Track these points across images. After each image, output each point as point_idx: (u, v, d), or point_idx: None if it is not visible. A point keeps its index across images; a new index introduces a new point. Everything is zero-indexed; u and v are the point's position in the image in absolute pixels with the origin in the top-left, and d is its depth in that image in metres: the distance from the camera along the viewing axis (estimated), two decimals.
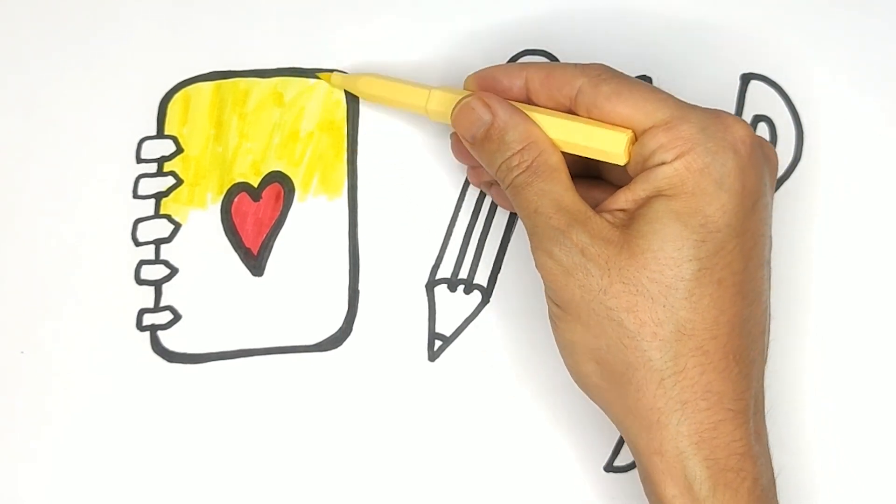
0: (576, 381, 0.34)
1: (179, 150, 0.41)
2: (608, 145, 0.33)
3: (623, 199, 0.32)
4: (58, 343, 0.40)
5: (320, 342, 0.40)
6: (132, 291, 0.40)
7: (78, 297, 0.40)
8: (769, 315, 0.34)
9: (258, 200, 0.41)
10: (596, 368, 0.32)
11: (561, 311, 0.33)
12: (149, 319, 0.40)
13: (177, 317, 0.40)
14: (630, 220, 0.32)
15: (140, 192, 0.41)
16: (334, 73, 0.41)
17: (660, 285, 0.31)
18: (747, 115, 0.42)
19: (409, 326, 0.40)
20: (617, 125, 0.33)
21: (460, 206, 0.41)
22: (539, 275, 0.33)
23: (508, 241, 0.41)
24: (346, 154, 0.41)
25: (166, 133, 0.42)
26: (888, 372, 0.40)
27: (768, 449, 0.33)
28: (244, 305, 0.40)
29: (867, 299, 0.40)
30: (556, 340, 0.34)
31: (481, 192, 0.41)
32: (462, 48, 0.42)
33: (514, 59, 0.42)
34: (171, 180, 0.41)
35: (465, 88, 0.37)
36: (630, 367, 0.31)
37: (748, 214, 0.32)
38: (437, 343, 0.40)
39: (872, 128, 0.42)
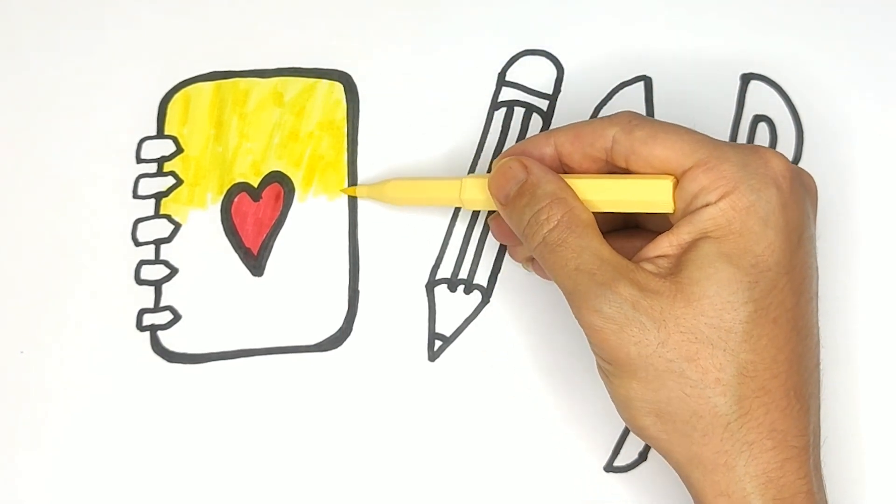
0: (634, 432, 0.33)
1: (179, 150, 0.41)
2: (654, 195, 0.32)
3: (666, 244, 0.32)
4: (58, 343, 0.40)
5: (320, 342, 0.40)
6: (132, 291, 0.40)
7: (78, 296, 0.40)
8: (819, 347, 0.34)
9: (258, 200, 0.41)
10: (655, 421, 0.31)
11: (614, 368, 0.32)
12: (149, 319, 0.40)
13: (177, 317, 0.40)
14: (676, 267, 0.31)
15: (140, 192, 0.41)
16: (359, 185, 0.41)
17: (719, 330, 0.30)
18: (747, 115, 0.42)
19: (409, 326, 0.40)
20: (656, 171, 0.32)
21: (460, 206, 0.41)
22: (585, 331, 0.32)
23: None
24: (346, 154, 0.41)
25: (166, 133, 0.42)
26: (888, 371, 0.40)
27: (823, 481, 0.33)
28: (244, 305, 0.40)
29: (867, 299, 0.40)
30: (609, 395, 0.33)
31: None
32: (462, 47, 0.42)
33: (514, 60, 0.42)
34: (171, 180, 0.41)
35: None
36: (695, 415, 0.31)
37: (795, 250, 0.31)
38: (437, 343, 0.40)
39: (872, 128, 0.42)
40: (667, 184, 0.32)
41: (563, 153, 0.34)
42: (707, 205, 0.31)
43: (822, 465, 0.33)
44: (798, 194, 0.32)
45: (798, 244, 0.31)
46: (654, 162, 0.32)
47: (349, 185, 0.41)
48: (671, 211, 0.32)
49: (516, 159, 0.34)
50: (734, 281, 0.30)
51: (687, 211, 0.32)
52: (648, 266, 0.31)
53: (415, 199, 0.39)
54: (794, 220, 0.31)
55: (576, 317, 0.32)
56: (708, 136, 0.32)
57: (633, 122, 0.33)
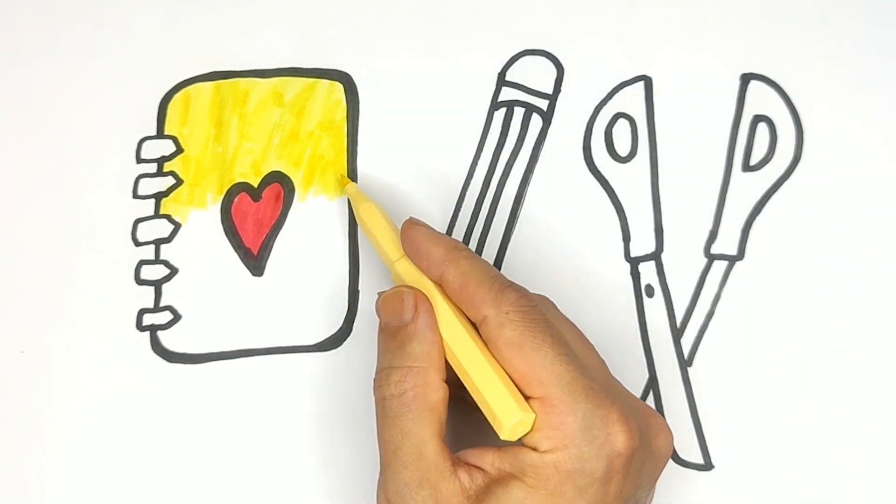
0: None
1: (179, 150, 0.41)
2: (501, 413, 0.30)
3: (489, 461, 0.31)
4: (58, 343, 0.40)
5: (320, 342, 0.40)
6: (132, 291, 0.40)
7: (78, 296, 0.40)
8: None
9: (258, 200, 0.41)
10: None
11: None
12: (149, 319, 0.40)
13: (177, 317, 0.40)
14: (485, 493, 0.30)
15: (140, 192, 0.41)
16: (350, 183, 0.40)
17: None
18: (747, 115, 0.42)
19: None
20: (508, 373, 0.31)
21: (460, 206, 0.41)
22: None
23: (508, 241, 0.41)
24: (346, 154, 0.41)
25: (166, 133, 0.42)
26: (888, 370, 0.40)
27: None
28: (244, 305, 0.40)
29: (867, 299, 0.40)
30: None
31: (481, 191, 0.41)
32: (462, 47, 0.42)
33: (514, 60, 0.42)
34: (171, 180, 0.41)
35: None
36: None
37: None
38: None
39: (872, 128, 0.42)
40: (515, 416, 0.30)
41: (446, 286, 0.33)
42: (535, 448, 0.30)
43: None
44: (631, 472, 0.30)
45: None
46: (508, 367, 0.31)
47: (350, 186, 0.41)
48: (500, 437, 0.31)
49: (413, 295, 0.33)
50: None
51: (519, 438, 0.31)
52: (464, 477, 0.31)
53: (369, 232, 0.38)
54: (615, 493, 0.30)
55: (378, 484, 0.32)
56: (578, 368, 0.31)
57: (512, 315, 0.31)
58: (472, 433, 0.34)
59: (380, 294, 0.34)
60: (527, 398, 0.31)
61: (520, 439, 0.31)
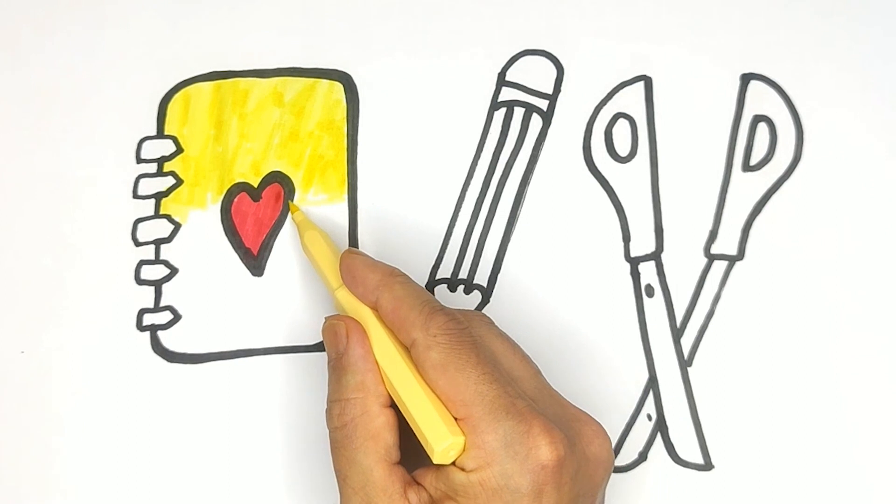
0: None
1: (179, 150, 0.41)
2: (431, 438, 0.31)
3: (429, 481, 0.32)
4: (58, 343, 0.40)
5: (320, 342, 0.40)
6: (132, 291, 0.40)
7: (78, 296, 0.40)
8: None
9: (258, 200, 0.41)
10: None
11: None
12: (149, 319, 0.40)
13: (177, 317, 0.40)
14: None
15: (140, 192, 0.41)
16: (298, 211, 0.40)
17: None
18: (747, 115, 0.42)
19: None
20: (435, 394, 0.32)
21: (460, 206, 0.41)
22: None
23: (508, 241, 0.41)
24: (346, 154, 0.41)
25: (166, 133, 0.42)
26: (888, 370, 0.40)
27: None
28: (244, 305, 0.40)
29: (867, 299, 0.40)
30: None
31: (481, 191, 0.41)
32: (462, 47, 0.42)
33: (514, 60, 0.42)
34: (171, 180, 0.41)
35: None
36: None
37: None
38: None
39: (872, 128, 0.42)
40: (445, 438, 0.31)
41: (381, 311, 0.34)
42: (463, 468, 0.31)
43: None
44: (560, 482, 0.30)
45: None
46: (435, 389, 0.32)
47: (349, 185, 0.41)
48: (433, 461, 0.31)
49: (344, 325, 0.34)
50: None
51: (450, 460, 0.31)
52: (413, 497, 0.31)
53: (312, 259, 0.38)
54: None
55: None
56: (502, 387, 0.31)
57: (439, 338, 0.32)
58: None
59: (323, 325, 0.35)
60: (455, 419, 0.31)
61: (451, 462, 0.31)
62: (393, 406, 0.33)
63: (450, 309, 0.33)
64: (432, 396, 0.32)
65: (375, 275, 0.34)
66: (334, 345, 0.34)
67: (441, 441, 0.31)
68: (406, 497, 0.31)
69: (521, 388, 0.32)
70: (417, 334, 0.32)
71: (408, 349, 0.33)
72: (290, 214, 0.40)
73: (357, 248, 0.41)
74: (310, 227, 0.39)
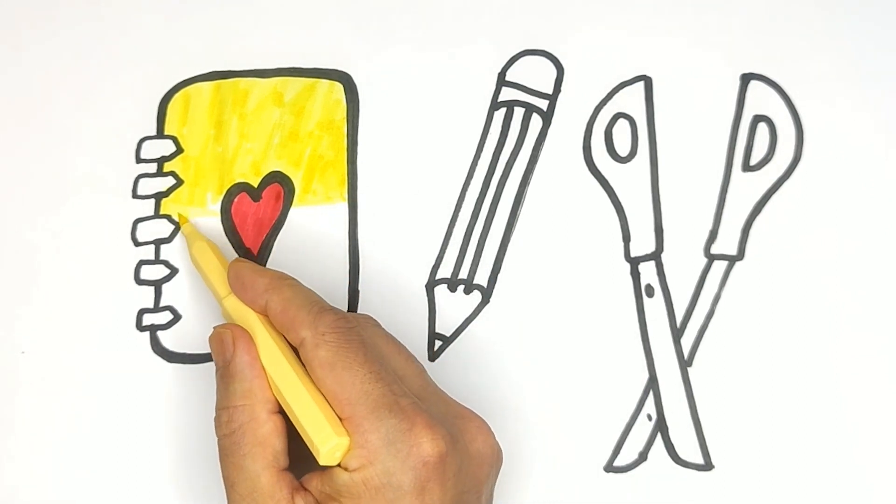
0: None
1: (179, 150, 0.41)
2: (316, 439, 0.31)
3: (315, 484, 0.32)
4: (58, 343, 0.40)
5: None
6: (132, 291, 0.40)
7: (78, 296, 0.40)
8: None
9: (258, 200, 0.41)
10: None
11: None
12: (149, 319, 0.40)
13: (177, 317, 0.40)
14: None
15: (140, 192, 0.41)
16: (187, 223, 0.40)
17: None
18: (747, 115, 0.42)
19: (409, 326, 0.40)
20: (338, 420, 0.32)
21: (460, 206, 0.41)
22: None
23: (508, 241, 0.41)
24: (346, 154, 0.41)
25: (166, 133, 0.42)
26: (888, 370, 0.40)
27: None
28: None
29: (867, 299, 0.40)
30: None
31: (481, 191, 0.41)
32: (462, 47, 0.42)
33: (514, 60, 0.42)
34: (171, 180, 0.41)
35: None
36: None
37: None
38: (437, 343, 0.40)
39: (872, 128, 0.42)
40: (330, 439, 0.31)
41: (270, 314, 0.34)
42: (346, 468, 0.31)
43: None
44: (443, 477, 0.31)
45: None
46: (322, 388, 0.32)
47: (349, 186, 0.41)
48: (319, 462, 0.31)
49: (230, 333, 0.34)
50: None
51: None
52: (300, 501, 0.31)
53: (201, 270, 0.38)
54: (433, 501, 0.31)
55: None
56: (385, 389, 0.31)
57: (328, 337, 0.32)
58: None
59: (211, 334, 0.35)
60: (341, 419, 0.31)
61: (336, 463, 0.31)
62: (281, 412, 0.33)
63: (339, 309, 0.33)
64: (319, 399, 0.32)
65: (264, 279, 0.35)
66: (221, 353, 0.34)
67: (326, 442, 0.31)
68: (293, 502, 0.31)
69: (406, 387, 0.33)
70: (306, 333, 0.32)
71: (296, 352, 0.33)
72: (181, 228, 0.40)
73: (357, 248, 0.41)
74: (198, 237, 0.39)
